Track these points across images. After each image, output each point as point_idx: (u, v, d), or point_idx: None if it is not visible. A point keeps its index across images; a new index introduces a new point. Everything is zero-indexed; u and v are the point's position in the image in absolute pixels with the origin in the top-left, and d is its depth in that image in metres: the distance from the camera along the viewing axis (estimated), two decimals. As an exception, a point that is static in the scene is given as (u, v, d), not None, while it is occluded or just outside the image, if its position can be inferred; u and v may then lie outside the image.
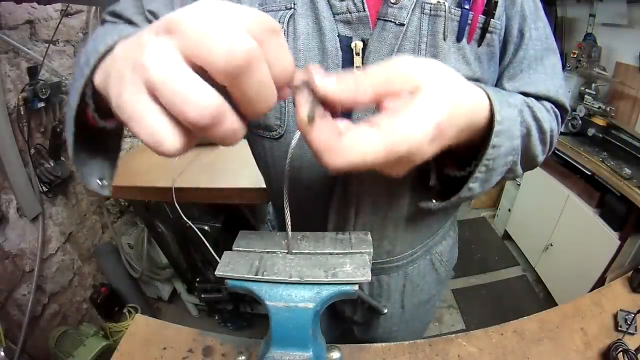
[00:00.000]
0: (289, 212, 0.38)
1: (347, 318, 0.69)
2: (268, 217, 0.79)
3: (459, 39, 0.42)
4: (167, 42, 0.20)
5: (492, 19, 0.43)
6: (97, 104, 0.31)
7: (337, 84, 0.26)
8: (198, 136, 0.22)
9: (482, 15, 0.42)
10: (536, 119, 0.43)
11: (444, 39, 0.42)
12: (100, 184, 0.36)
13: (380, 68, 0.27)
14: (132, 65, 0.21)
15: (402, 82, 0.26)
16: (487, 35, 0.43)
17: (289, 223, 0.38)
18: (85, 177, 0.35)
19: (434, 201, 0.44)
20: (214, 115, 0.20)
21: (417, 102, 0.26)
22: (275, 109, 0.47)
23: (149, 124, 0.21)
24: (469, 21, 0.42)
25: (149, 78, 0.20)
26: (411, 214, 0.53)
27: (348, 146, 0.25)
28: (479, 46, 0.44)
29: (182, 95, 0.19)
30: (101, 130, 0.34)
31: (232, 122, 0.21)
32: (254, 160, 0.63)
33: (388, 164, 0.26)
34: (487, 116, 0.33)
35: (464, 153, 0.38)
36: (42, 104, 1.27)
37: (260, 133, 0.50)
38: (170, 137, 0.21)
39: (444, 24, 0.41)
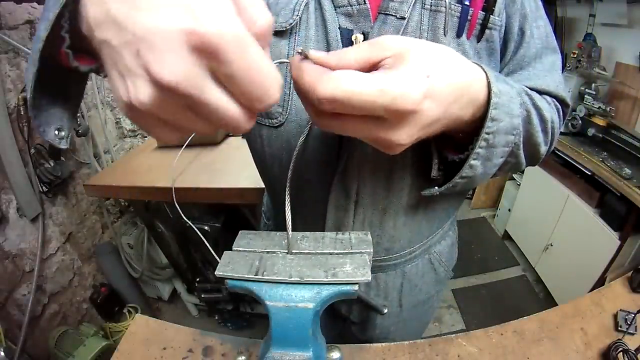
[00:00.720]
0: (289, 213, 0.38)
1: (343, 317, 0.69)
2: (263, 209, 0.78)
3: (458, 35, 0.43)
4: (200, 65, 0.20)
5: (491, 15, 0.43)
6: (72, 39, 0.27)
7: (324, 54, 0.28)
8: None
9: (481, 12, 0.43)
10: (536, 107, 0.43)
11: (445, 34, 0.42)
12: (58, 134, 0.33)
13: (365, 42, 0.28)
14: (156, 63, 0.20)
15: (384, 48, 0.28)
16: (487, 31, 0.44)
17: (290, 224, 0.38)
18: (42, 125, 0.32)
19: (436, 187, 0.44)
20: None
21: (405, 61, 0.27)
22: None
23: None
24: (469, 17, 0.42)
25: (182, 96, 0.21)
26: (411, 210, 0.53)
27: (341, 76, 0.25)
28: (478, 42, 0.44)
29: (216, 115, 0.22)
30: (68, 72, 0.29)
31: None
32: (253, 161, 0.63)
33: (383, 110, 0.26)
34: (485, 94, 0.33)
35: (463, 140, 0.38)
36: (42, 104, 1.27)
37: (260, 120, 0.50)
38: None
39: (445, 19, 0.42)
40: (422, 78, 0.27)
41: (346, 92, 0.25)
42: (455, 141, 0.40)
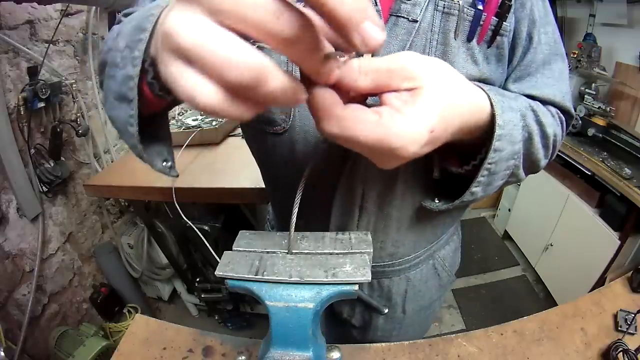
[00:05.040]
0: (296, 213, 0.38)
1: (345, 320, 0.68)
2: (268, 217, 0.78)
3: (469, 39, 0.42)
4: (190, 7, 0.20)
5: (504, 22, 0.42)
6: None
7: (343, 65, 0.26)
8: (246, 95, 0.21)
9: (494, 17, 0.42)
10: (540, 124, 0.43)
11: (455, 38, 0.42)
12: (166, 165, 0.38)
13: (384, 59, 0.27)
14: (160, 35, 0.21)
15: (403, 77, 0.27)
16: (498, 37, 0.43)
17: (294, 223, 0.38)
18: (151, 160, 0.37)
19: (436, 201, 0.44)
20: (253, 74, 0.19)
21: (416, 104, 0.26)
22: None
23: (183, 83, 0.20)
24: (481, 22, 0.42)
25: (177, 46, 0.20)
26: (415, 215, 0.53)
27: (346, 118, 0.25)
28: (488, 47, 0.44)
29: (217, 59, 0.19)
30: (153, 110, 0.34)
31: (280, 81, 0.20)
32: (253, 160, 0.63)
33: (378, 152, 0.27)
34: (488, 118, 0.34)
35: (466, 150, 0.38)
36: (42, 104, 1.27)
37: (264, 128, 0.50)
38: (205, 91, 0.20)
39: (457, 23, 0.41)
40: (426, 130, 0.27)
41: (347, 135, 0.25)
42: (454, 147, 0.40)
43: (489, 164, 0.36)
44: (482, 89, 0.34)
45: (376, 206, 0.51)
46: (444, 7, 0.41)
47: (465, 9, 0.41)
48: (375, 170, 0.48)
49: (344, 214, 0.52)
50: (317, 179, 0.51)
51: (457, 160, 0.41)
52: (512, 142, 0.37)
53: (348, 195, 0.51)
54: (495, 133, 0.33)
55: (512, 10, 0.43)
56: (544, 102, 0.46)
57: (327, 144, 0.48)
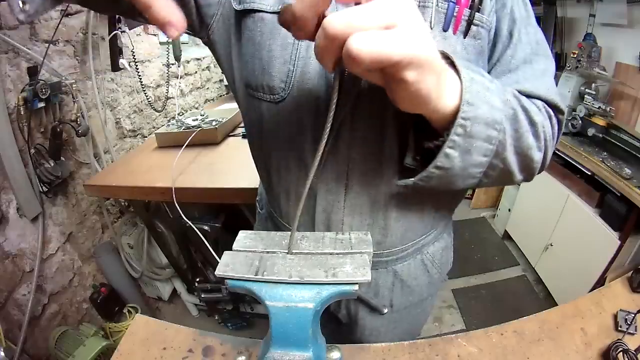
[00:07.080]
0: (298, 216, 0.38)
1: (330, 316, 0.68)
2: (257, 198, 0.77)
3: (445, 29, 0.45)
4: None
5: (477, 13, 0.45)
6: None
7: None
8: None
9: (467, 9, 0.45)
10: (524, 108, 0.42)
11: (431, 28, 0.45)
12: (22, 7, 0.31)
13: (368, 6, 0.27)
14: None
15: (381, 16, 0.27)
16: (473, 27, 0.45)
17: (296, 223, 0.38)
18: None
19: (411, 179, 0.43)
20: None
21: (405, 25, 0.26)
22: (282, 71, 0.47)
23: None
24: (455, 13, 0.44)
25: None
26: (402, 203, 0.53)
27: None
28: (465, 37, 0.46)
29: None
30: None
31: None
32: (253, 161, 0.63)
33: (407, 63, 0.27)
34: (460, 85, 0.35)
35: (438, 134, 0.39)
36: (42, 104, 1.27)
37: (260, 96, 0.50)
38: None
39: (432, 15, 0.44)
40: (428, 37, 0.28)
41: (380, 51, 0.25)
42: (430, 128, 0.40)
43: (463, 119, 0.35)
44: (442, 53, 0.35)
45: (361, 187, 0.52)
46: (419, 2, 0.44)
47: (440, 2, 0.44)
48: (359, 148, 0.49)
49: (330, 193, 0.53)
50: (305, 157, 0.51)
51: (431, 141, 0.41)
52: (489, 104, 0.36)
53: (333, 174, 0.51)
54: (463, 85, 0.34)
55: (490, 4, 0.46)
56: (528, 96, 0.45)
57: (310, 114, 0.48)
